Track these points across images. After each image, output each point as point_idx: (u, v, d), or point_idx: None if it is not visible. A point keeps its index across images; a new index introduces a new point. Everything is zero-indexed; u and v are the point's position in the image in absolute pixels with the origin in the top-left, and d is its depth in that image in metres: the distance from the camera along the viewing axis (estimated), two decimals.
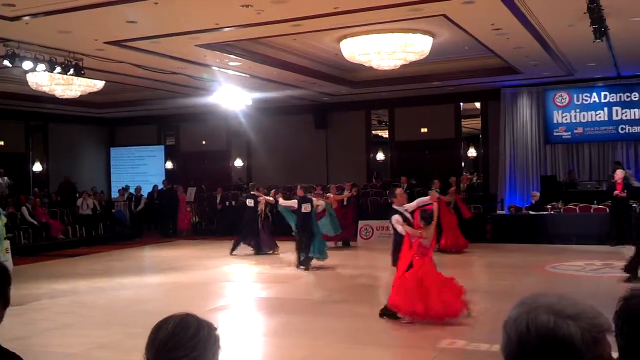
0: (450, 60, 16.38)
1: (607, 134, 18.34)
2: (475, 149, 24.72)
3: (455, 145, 21.15)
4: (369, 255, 15.33)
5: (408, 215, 8.56)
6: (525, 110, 19.29)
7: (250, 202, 15.04)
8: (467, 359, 6.78)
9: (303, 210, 12.72)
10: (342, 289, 10.96)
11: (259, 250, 15.00)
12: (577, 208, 16.20)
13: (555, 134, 18.94)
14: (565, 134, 18.83)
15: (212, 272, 13.07)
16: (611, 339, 1.36)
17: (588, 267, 11.88)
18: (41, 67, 12.60)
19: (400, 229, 8.26)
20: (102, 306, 9.72)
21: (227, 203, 20.17)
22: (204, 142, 24.42)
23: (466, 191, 18.56)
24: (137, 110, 23.05)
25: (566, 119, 18.73)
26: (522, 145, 19.28)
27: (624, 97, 18.11)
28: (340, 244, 16.28)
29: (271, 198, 14.41)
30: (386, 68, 13.86)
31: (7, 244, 14.19)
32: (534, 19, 11.27)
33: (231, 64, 15.00)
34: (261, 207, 14.84)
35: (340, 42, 13.47)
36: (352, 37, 13.00)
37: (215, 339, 1.70)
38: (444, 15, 10.99)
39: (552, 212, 16.34)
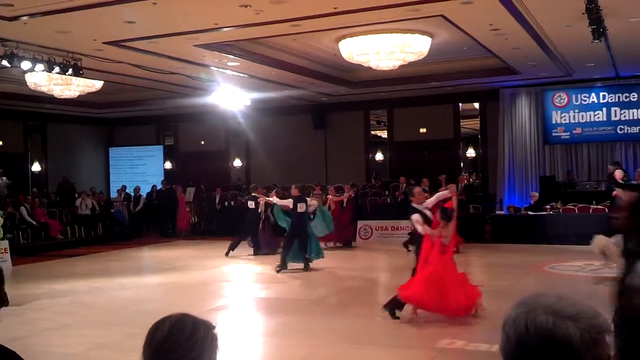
0: (448, 60, 16.38)
1: (606, 135, 18.35)
2: (474, 149, 24.73)
3: (454, 145, 21.17)
4: (368, 255, 15.34)
5: (428, 213, 8.54)
6: (524, 110, 19.30)
7: (251, 204, 15.03)
8: (467, 359, 6.78)
9: (298, 210, 12.68)
10: (341, 289, 10.97)
11: (257, 251, 15.01)
12: (576, 208, 16.21)
13: (554, 134, 18.96)
14: (564, 134, 18.84)
15: (211, 272, 13.08)
16: (610, 339, 1.36)
17: (587, 268, 11.87)
18: (40, 67, 12.58)
19: (420, 229, 8.23)
20: (101, 306, 9.71)
21: (226, 203, 20.16)
22: (202, 142, 24.42)
23: (463, 192, 18.53)
24: (136, 111, 23.04)
25: (565, 120, 18.75)
26: (521, 146, 19.29)
27: (623, 97, 18.13)
28: (336, 243, 16.25)
29: (271, 199, 14.39)
30: (385, 68, 13.86)
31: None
32: (532, 20, 11.27)
33: (230, 64, 14.99)
34: (261, 208, 14.83)
35: (339, 43, 13.47)
36: (350, 37, 13.00)
37: (213, 338, 1.69)
38: (442, 16, 11.00)
39: (551, 212, 16.36)
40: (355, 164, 21.69)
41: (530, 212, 16.54)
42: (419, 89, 18.99)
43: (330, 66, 16.77)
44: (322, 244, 13.86)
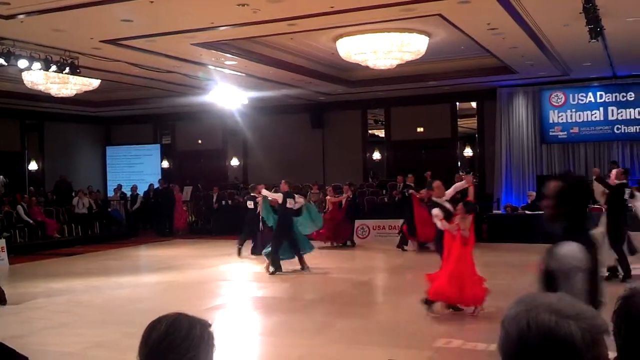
0: (446, 59, 16.39)
1: (603, 134, 18.38)
2: (471, 148, 24.74)
3: (451, 144, 21.19)
4: (366, 254, 15.34)
5: (448, 206, 8.70)
6: (521, 110, 19.32)
7: (250, 204, 15.00)
8: (464, 358, 6.79)
9: (288, 205, 12.58)
10: (339, 288, 10.96)
11: (255, 251, 14.98)
12: None
13: (551, 133, 18.98)
14: (561, 133, 18.86)
15: (208, 271, 13.07)
16: (609, 340, 1.36)
17: None
18: (37, 65, 12.56)
19: (439, 224, 8.39)
20: (98, 305, 9.70)
21: (223, 202, 20.15)
22: (200, 141, 24.40)
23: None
24: (133, 109, 23.02)
25: (562, 119, 18.77)
26: (518, 145, 19.31)
27: (620, 97, 18.15)
28: (334, 243, 16.24)
29: (261, 192, 14.28)
30: (382, 67, 13.86)
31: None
32: (530, 19, 11.28)
33: (227, 62, 14.98)
34: (260, 207, 14.78)
35: (337, 42, 13.46)
36: (348, 36, 13.00)
37: (209, 337, 1.69)
38: (440, 15, 11.00)
39: None
40: (353, 163, 21.69)
41: (527, 212, 16.55)
42: (416, 88, 18.99)
43: (327, 65, 16.77)
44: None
